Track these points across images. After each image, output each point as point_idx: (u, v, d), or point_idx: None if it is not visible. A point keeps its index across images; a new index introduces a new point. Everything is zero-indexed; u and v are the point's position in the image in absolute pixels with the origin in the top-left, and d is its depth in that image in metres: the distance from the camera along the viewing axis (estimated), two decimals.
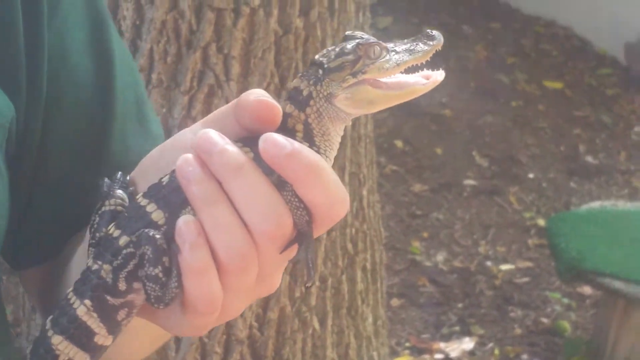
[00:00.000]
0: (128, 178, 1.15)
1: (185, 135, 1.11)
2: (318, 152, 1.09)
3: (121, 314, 1.07)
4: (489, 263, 5.43)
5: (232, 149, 1.03)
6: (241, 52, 2.70)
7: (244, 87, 2.69)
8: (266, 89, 2.69)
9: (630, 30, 7.33)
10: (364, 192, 3.12)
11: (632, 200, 5.89)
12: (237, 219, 1.02)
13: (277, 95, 2.68)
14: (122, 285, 1.05)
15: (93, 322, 1.06)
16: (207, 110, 2.68)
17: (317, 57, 1.12)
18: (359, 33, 1.14)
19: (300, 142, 1.06)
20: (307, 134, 1.09)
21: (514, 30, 7.91)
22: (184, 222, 1.02)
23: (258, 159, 1.04)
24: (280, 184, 1.04)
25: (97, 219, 1.10)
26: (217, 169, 1.02)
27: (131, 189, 1.13)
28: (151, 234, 1.02)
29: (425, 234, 5.65)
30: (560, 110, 7.02)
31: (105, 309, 1.06)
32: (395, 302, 5.03)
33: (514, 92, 7.13)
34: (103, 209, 1.10)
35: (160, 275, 1.03)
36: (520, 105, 7.02)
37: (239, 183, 1.02)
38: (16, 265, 1.33)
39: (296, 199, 1.04)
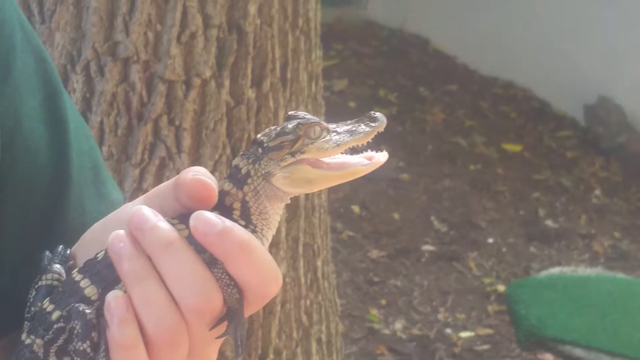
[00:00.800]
0: (69, 252, 1.16)
1: (127, 209, 1.13)
2: (254, 231, 1.12)
3: None
4: (448, 330, 5.39)
5: (163, 225, 1.06)
6: (192, 124, 2.71)
7: (195, 159, 2.70)
8: (218, 161, 2.74)
9: (589, 92, 7.26)
10: (318, 263, 3.12)
11: (593, 265, 5.88)
12: (166, 295, 1.04)
13: (229, 167, 2.68)
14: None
15: None
16: (158, 182, 2.59)
17: (258, 136, 1.15)
18: (301, 113, 1.17)
19: (237, 220, 1.10)
20: (244, 213, 1.12)
21: (471, 92, 7.93)
22: (113, 298, 1.03)
23: (192, 237, 1.06)
24: (212, 262, 1.06)
25: (34, 292, 1.11)
26: (148, 246, 1.04)
27: (70, 262, 1.14)
28: (81, 308, 1.03)
29: (383, 301, 5.61)
30: (519, 173, 7.02)
31: None
32: None
33: (472, 155, 7.14)
34: (40, 283, 1.11)
35: (88, 350, 1.03)
36: (478, 168, 7.03)
37: (169, 260, 1.04)
38: None
39: (227, 277, 1.06)
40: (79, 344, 1.03)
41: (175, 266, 1.04)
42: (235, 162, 1.15)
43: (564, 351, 4.18)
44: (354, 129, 1.15)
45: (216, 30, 2.68)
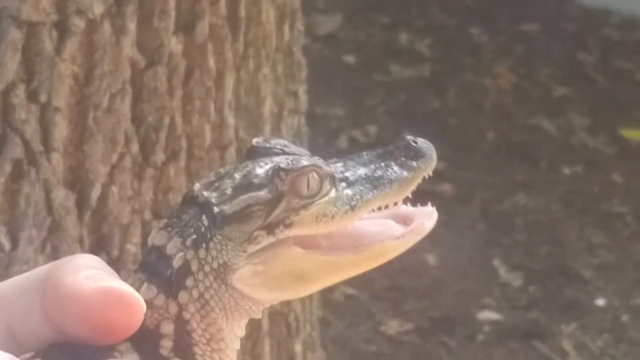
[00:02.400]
0: None
1: None
2: None
3: None
4: None
5: None
6: (72, 100, 2.80)
7: (76, 163, 2.79)
8: (116, 167, 2.85)
9: None
10: (297, 348, 3.20)
11: None
12: None
13: (138, 180, 2.81)
14: None
15: None
16: (9, 205, 2.78)
17: (197, 189, 1.11)
18: (276, 140, 1.14)
19: (168, 358, 1.08)
20: (182, 343, 1.09)
21: (564, 34, 8.06)
22: None
23: None
24: None
25: None
26: None
27: None
28: None
29: None
30: None
31: None
32: None
33: (566, 149, 7.25)
34: None
35: None
36: (578, 173, 7.13)
37: None
38: None
39: None
40: None
41: None
42: (155, 240, 1.12)
43: None
44: (379, 172, 1.12)
45: None
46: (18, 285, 1.09)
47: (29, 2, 2.71)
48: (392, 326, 5.98)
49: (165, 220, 1.11)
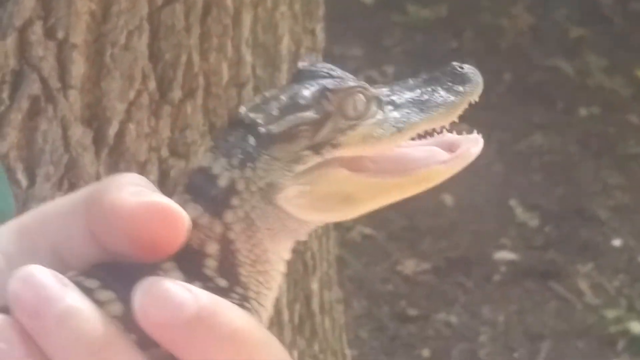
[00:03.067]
0: None
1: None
2: (245, 299, 1.07)
3: None
4: None
5: (82, 307, 0.99)
6: (89, 37, 2.78)
7: (94, 100, 2.78)
8: (134, 103, 2.84)
9: None
10: (313, 286, 3.20)
11: None
12: None
13: (156, 117, 2.80)
14: None
15: None
16: (30, 143, 2.78)
17: (243, 111, 1.08)
18: (323, 64, 1.12)
19: (212, 278, 1.05)
20: (226, 263, 1.07)
21: None
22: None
23: (129, 318, 1.01)
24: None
25: None
26: (54, 349, 1.00)
27: None
28: None
29: (425, 352, 5.71)
30: None
31: None
32: None
33: (583, 90, 7.23)
34: None
35: None
36: (595, 114, 7.14)
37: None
38: None
39: None
40: None
41: None
42: (202, 161, 1.10)
43: None
44: (425, 97, 1.10)
45: None
46: (61, 206, 1.09)
47: None
48: (409, 266, 5.99)
49: (211, 143, 1.10)
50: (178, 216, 1.01)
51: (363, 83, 1.07)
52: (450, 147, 1.09)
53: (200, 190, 1.06)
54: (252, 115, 1.06)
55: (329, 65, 1.10)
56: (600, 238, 6.30)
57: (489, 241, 6.21)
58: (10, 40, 2.78)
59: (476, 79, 1.11)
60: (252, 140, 1.05)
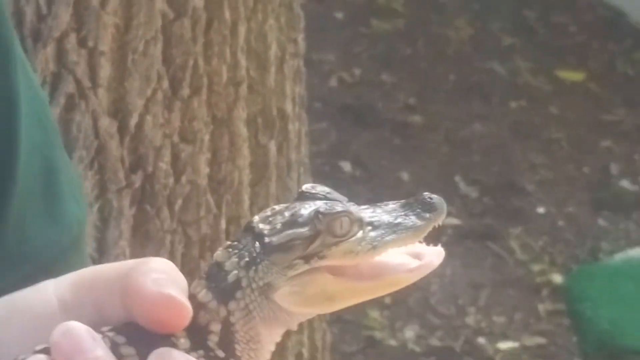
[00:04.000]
0: None
1: (47, 293, 1.13)
2: None
3: None
4: (481, 340, 5.49)
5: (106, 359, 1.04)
6: (113, 45, 2.77)
7: (118, 96, 2.78)
8: (150, 99, 2.83)
9: None
10: None
11: None
12: None
13: (168, 110, 2.75)
14: None
15: None
16: (65, 130, 2.73)
17: (255, 221, 1.09)
18: (321, 188, 1.13)
19: (213, 349, 1.08)
20: (226, 339, 1.09)
21: None
22: None
23: None
24: None
25: None
26: None
27: None
28: None
29: (387, 300, 5.68)
30: (582, 113, 7.05)
31: None
32: None
33: (513, 87, 7.19)
34: None
35: None
36: (523, 106, 7.07)
37: None
38: None
39: None
40: None
41: None
42: (218, 257, 1.09)
43: None
44: (399, 220, 1.09)
45: None
46: (108, 272, 1.11)
47: None
48: None
49: (228, 242, 1.09)
50: (183, 308, 1.04)
51: (349, 207, 1.08)
52: (418, 256, 1.08)
53: (214, 279, 1.08)
54: (261, 225, 1.08)
55: (327, 189, 1.12)
56: (527, 206, 6.29)
57: None
58: (50, 49, 2.77)
59: (441, 208, 1.10)
60: (258, 246, 1.06)
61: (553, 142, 6.84)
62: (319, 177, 5.84)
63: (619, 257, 4.98)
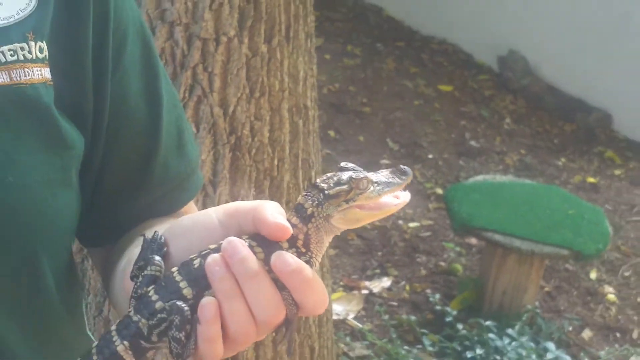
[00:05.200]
0: (163, 239, 1.10)
1: (211, 216, 1.08)
2: (311, 257, 1.05)
3: (150, 354, 1.07)
4: (400, 222, 5.36)
5: (250, 258, 1.00)
6: (220, 70, 2.63)
7: (223, 96, 2.65)
8: (240, 98, 2.68)
9: (502, 47, 7.19)
10: (313, 173, 3.06)
11: (505, 174, 5.81)
12: (246, 311, 1.00)
13: (248, 104, 2.67)
14: (154, 338, 1.03)
15: (128, 357, 1.04)
16: (196, 114, 2.63)
17: (318, 181, 1.06)
18: (350, 165, 1.08)
19: (299, 248, 1.04)
20: (306, 242, 1.05)
21: (415, 47, 7.77)
22: (206, 303, 1.00)
23: (267, 259, 1.01)
24: (281, 287, 1.01)
25: (140, 278, 1.06)
26: (237, 272, 0.99)
27: (165, 249, 1.09)
28: (181, 305, 1.00)
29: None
30: (451, 107, 6.92)
31: (139, 350, 1.04)
32: (331, 252, 4.93)
33: (416, 94, 7.04)
34: (145, 272, 1.06)
35: (183, 338, 1.01)
36: (421, 103, 6.91)
37: (252, 286, 0.99)
38: (85, 244, 1.32)
39: (291, 299, 1.02)
40: (176, 332, 1.00)
41: (256, 292, 1.00)
42: (300, 201, 1.06)
43: (487, 237, 4.14)
44: (390, 180, 1.07)
45: (238, 0, 2.61)
46: (244, 205, 1.06)
47: (203, 29, 2.55)
48: None
49: (304, 193, 1.07)
50: (286, 229, 1.01)
51: (367, 174, 1.06)
52: (397, 197, 1.06)
53: (299, 212, 1.04)
54: (322, 184, 1.04)
55: (353, 165, 1.08)
56: (424, 154, 6.15)
57: (378, 156, 6.08)
58: (188, 73, 2.64)
59: (410, 173, 1.07)
60: (321, 195, 1.04)
61: (436, 122, 6.69)
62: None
63: (470, 180, 4.94)
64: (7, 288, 1.07)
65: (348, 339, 4.18)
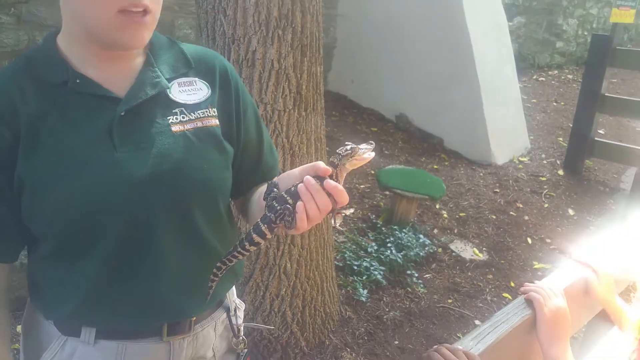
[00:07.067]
0: (276, 181, 1.46)
1: (294, 171, 1.41)
2: (338, 182, 1.33)
3: (275, 230, 1.41)
4: (356, 184, 5.52)
5: (315, 184, 1.28)
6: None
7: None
8: (283, 93, 2.84)
9: (396, 111, 7.40)
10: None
11: (400, 165, 5.94)
12: (316, 207, 1.32)
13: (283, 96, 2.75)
14: (278, 221, 1.39)
15: (266, 230, 1.40)
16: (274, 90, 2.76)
17: (339, 150, 1.31)
18: (350, 143, 1.32)
19: (332, 177, 1.32)
20: (336, 176, 1.32)
21: (354, 114, 7.48)
22: (299, 204, 1.34)
23: (321, 184, 1.30)
24: (329, 194, 1.31)
25: (269, 198, 1.43)
26: (312, 190, 1.30)
27: (277, 184, 1.45)
28: (288, 206, 1.37)
29: None
30: (375, 137, 6.76)
31: (270, 228, 1.41)
32: None
33: (360, 130, 6.85)
34: (271, 195, 1.43)
35: (289, 218, 1.37)
36: (373, 130, 6.75)
37: (317, 195, 1.30)
38: (233, 196, 1.71)
39: (333, 200, 1.32)
40: (288, 218, 1.37)
41: (320, 198, 1.30)
42: (332, 159, 1.32)
43: (394, 191, 4.84)
44: (367, 147, 1.32)
45: None
46: (307, 166, 1.37)
47: None
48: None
49: (332, 157, 1.33)
50: (329, 171, 1.30)
51: (359, 145, 1.31)
52: (370, 152, 1.32)
53: (332, 164, 1.32)
54: (339, 151, 1.31)
55: (352, 143, 1.30)
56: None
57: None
58: (256, 86, 2.86)
59: (374, 144, 1.32)
60: (339, 155, 1.31)
61: (363, 132, 6.68)
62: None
63: (387, 167, 5.39)
64: (201, 227, 1.54)
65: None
